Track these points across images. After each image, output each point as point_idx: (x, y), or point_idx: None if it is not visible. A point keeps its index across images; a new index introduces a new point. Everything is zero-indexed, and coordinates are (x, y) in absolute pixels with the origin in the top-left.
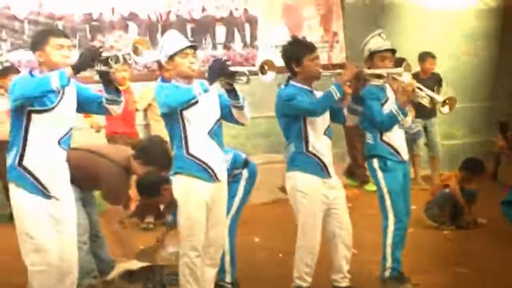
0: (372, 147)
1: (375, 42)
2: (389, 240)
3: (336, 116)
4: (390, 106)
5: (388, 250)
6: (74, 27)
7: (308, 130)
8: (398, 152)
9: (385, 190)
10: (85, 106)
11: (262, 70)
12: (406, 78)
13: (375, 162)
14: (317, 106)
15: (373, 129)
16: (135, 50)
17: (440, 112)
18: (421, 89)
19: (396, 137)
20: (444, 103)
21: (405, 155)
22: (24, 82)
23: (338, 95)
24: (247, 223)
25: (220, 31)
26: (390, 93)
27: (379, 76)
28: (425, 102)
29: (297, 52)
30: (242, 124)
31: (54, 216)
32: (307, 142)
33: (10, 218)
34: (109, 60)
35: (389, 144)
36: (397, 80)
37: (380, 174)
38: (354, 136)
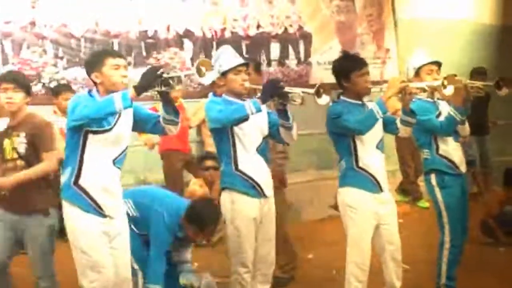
0: (429, 162)
1: (418, 57)
2: (444, 257)
3: (389, 127)
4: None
5: (443, 267)
6: (129, 45)
7: (357, 145)
8: (455, 165)
9: (442, 206)
10: (141, 125)
11: (318, 93)
12: (449, 90)
13: (433, 178)
14: (361, 125)
15: (430, 144)
16: (199, 71)
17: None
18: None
19: (452, 150)
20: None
21: (463, 168)
22: (86, 103)
23: (380, 113)
24: (301, 240)
25: (275, 48)
26: (443, 108)
27: (425, 90)
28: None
29: (346, 67)
30: (288, 144)
31: (108, 233)
32: (357, 157)
33: (60, 235)
34: (171, 81)
35: (446, 158)
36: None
37: (437, 190)
38: (406, 152)
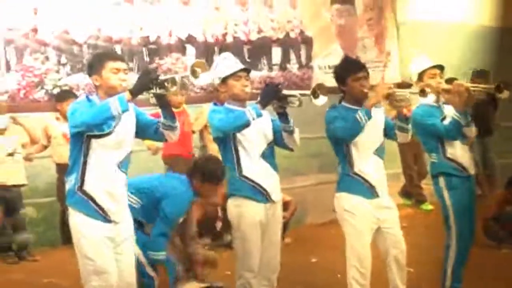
0: (437, 165)
1: (420, 62)
2: (450, 260)
3: (388, 133)
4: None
5: (449, 270)
6: (131, 50)
7: (352, 151)
8: (463, 168)
9: (450, 209)
10: (142, 131)
11: (314, 94)
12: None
13: (441, 181)
14: (345, 132)
15: (437, 148)
16: (194, 73)
17: None
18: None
19: (460, 153)
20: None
21: (471, 170)
22: (83, 109)
23: (364, 119)
24: (305, 244)
25: (276, 52)
26: (448, 111)
27: (423, 93)
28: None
29: (342, 72)
30: (291, 149)
31: (113, 238)
32: (351, 163)
33: (66, 240)
34: (166, 83)
35: (454, 161)
36: (448, 92)
37: (446, 193)
38: (409, 156)
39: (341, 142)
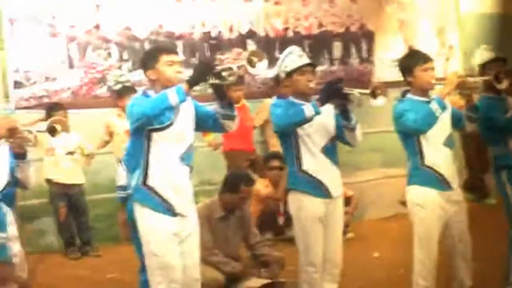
0: (499, 158)
1: (482, 54)
2: None
3: (457, 123)
4: None
5: None
6: (193, 46)
7: (422, 143)
8: None
9: None
10: (202, 123)
11: (374, 94)
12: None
13: (503, 175)
14: (420, 124)
15: (498, 141)
16: (250, 62)
17: None
18: None
19: None
20: None
21: None
22: (141, 103)
23: (440, 110)
24: (366, 239)
25: (337, 47)
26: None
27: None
28: None
29: (410, 62)
30: (352, 146)
31: (179, 233)
32: (422, 155)
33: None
34: (223, 73)
35: None
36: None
37: (508, 186)
38: (471, 149)
39: (413, 135)
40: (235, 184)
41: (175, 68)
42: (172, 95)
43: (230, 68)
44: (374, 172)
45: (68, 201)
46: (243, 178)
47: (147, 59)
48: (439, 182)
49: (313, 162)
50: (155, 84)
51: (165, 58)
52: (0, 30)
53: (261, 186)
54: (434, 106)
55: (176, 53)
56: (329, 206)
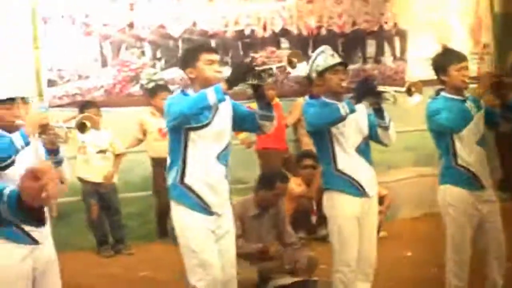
0: None
1: None
2: None
3: (490, 122)
4: None
5: None
6: (226, 44)
7: (456, 143)
8: None
9: None
10: (240, 123)
11: (409, 92)
12: None
13: None
14: (456, 123)
15: None
16: (290, 63)
17: None
18: None
19: None
20: None
21: None
22: (179, 101)
23: (475, 109)
24: (399, 238)
25: (370, 45)
26: None
27: None
28: None
29: (444, 61)
30: (386, 145)
31: (215, 232)
32: (455, 155)
33: (161, 234)
34: (262, 74)
35: None
36: None
37: None
38: (505, 148)
39: (446, 133)
40: (270, 181)
41: (214, 67)
42: (211, 94)
43: (270, 69)
44: (406, 171)
45: (100, 199)
46: (279, 175)
47: (187, 58)
48: (471, 181)
49: (349, 161)
50: (193, 83)
51: (205, 56)
52: (34, 29)
53: (294, 184)
54: (469, 105)
55: (216, 52)
56: (365, 205)
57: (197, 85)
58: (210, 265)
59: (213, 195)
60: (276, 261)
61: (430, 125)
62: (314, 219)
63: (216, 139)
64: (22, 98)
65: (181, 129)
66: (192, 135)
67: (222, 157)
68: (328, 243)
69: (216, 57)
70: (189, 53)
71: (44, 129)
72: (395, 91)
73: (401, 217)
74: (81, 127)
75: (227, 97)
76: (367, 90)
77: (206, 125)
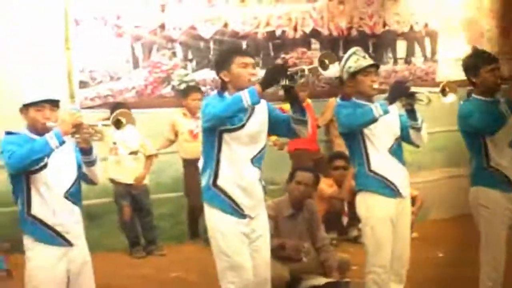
0: None
1: None
2: None
3: None
4: None
5: None
6: (257, 45)
7: (488, 144)
8: None
9: None
10: (275, 127)
11: (443, 92)
12: None
13: None
14: (489, 126)
15: None
16: (322, 64)
17: None
18: None
19: None
20: None
21: None
22: (215, 103)
23: (508, 111)
24: (430, 238)
25: (401, 46)
26: None
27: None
28: None
29: (475, 63)
30: (417, 146)
31: (249, 234)
32: (488, 156)
33: (193, 235)
34: (295, 76)
35: None
36: None
37: None
38: None
39: (479, 135)
40: (301, 170)
41: (248, 70)
42: (245, 97)
43: (303, 70)
44: (438, 172)
45: (132, 200)
46: (309, 169)
47: (221, 61)
48: (504, 183)
49: (382, 162)
50: (228, 86)
51: (239, 59)
52: (66, 30)
53: (325, 185)
54: (502, 106)
55: (250, 55)
56: (399, 206)
57: (232, 87)
58: (241, 268)
59: (246, 197)
60: (308, 262)
61: (462, 127)
62: (345, 220)
63: (251, 141)
64: (54, 101)
65: (215, 131)
66: (226, 137)
67: (257, 160)
68: (359, 244)
69: (250, 60)
70: (223, 56)
71: (78, 128)
72: (429, 92)
73: (432, 218)
74: (117, 124)
75: (263, 100)
76: (401, 91)
77: (240, 127)
